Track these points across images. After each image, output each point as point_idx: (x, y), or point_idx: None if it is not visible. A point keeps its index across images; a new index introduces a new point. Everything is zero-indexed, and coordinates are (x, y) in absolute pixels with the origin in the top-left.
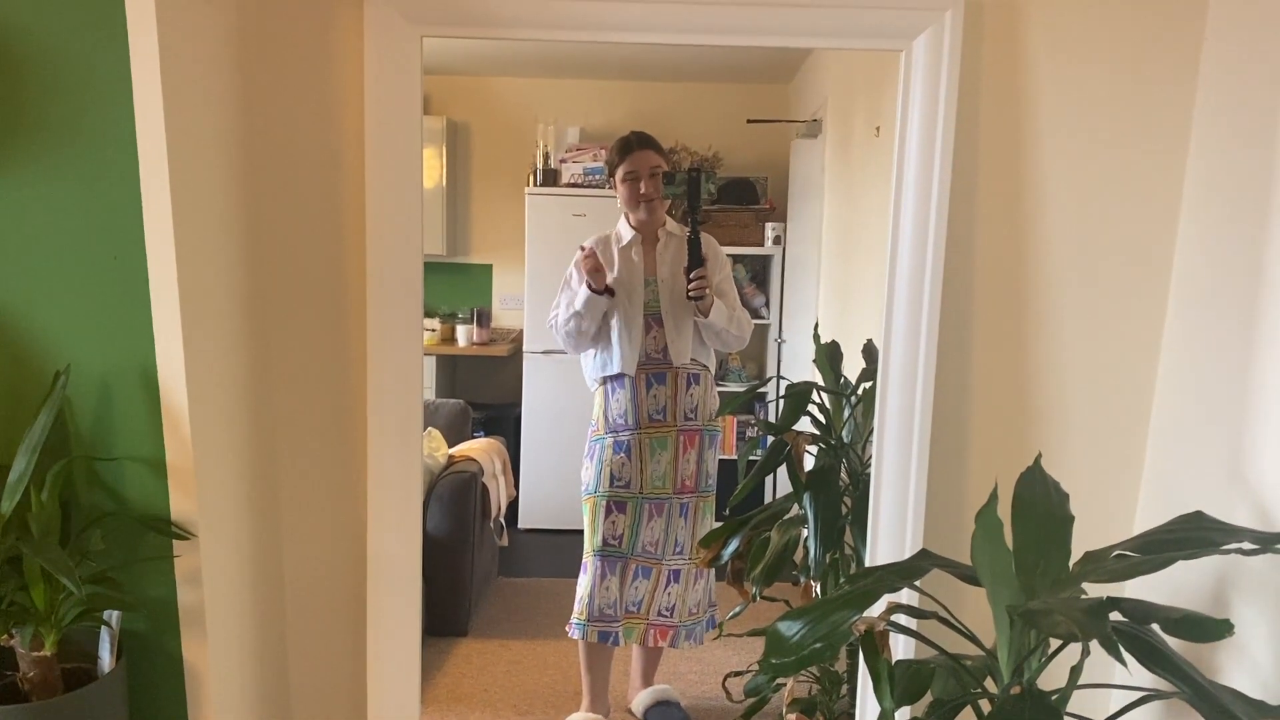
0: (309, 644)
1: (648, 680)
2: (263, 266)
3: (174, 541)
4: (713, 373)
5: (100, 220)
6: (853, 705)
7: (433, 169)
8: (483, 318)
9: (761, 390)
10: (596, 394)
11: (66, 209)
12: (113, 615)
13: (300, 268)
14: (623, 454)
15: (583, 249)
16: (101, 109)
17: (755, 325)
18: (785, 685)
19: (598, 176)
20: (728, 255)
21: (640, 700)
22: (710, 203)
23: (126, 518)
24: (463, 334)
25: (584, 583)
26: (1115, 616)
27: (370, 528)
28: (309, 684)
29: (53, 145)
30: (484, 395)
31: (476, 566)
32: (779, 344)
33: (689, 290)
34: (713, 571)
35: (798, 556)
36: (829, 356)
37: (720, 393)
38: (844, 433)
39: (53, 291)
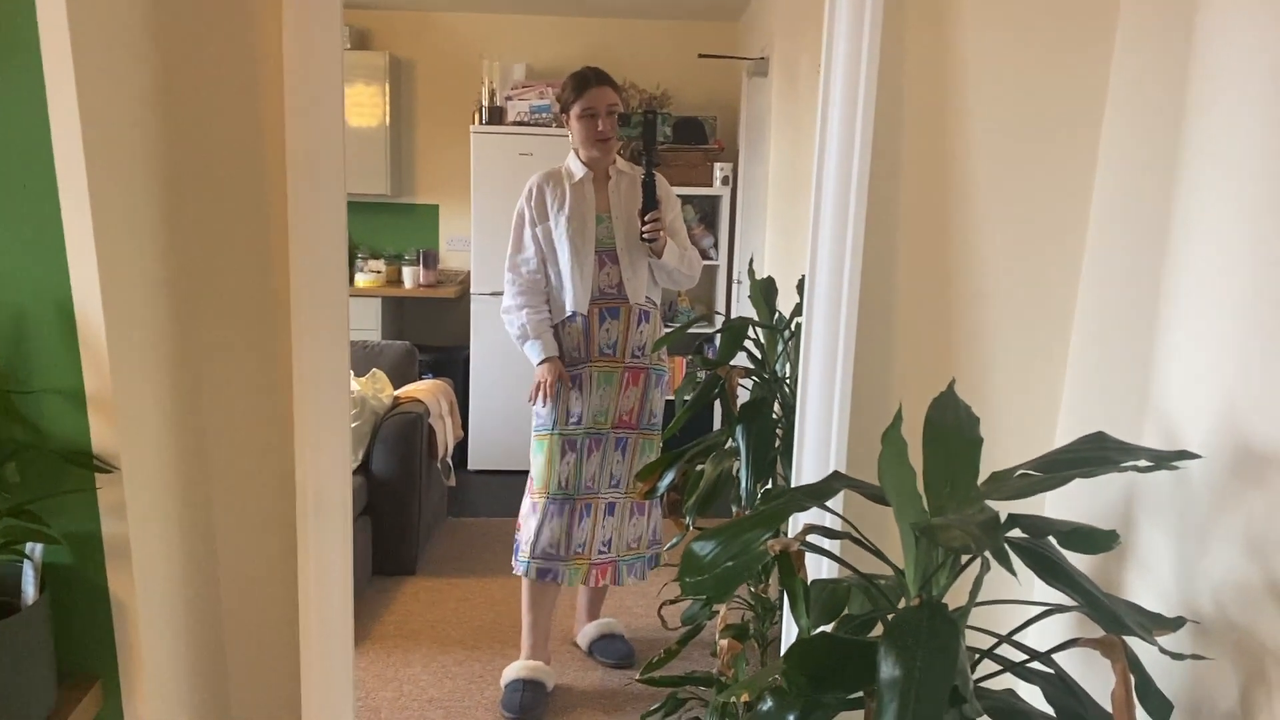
0: (240, 575)
1: (593, 614)
2: (181, 191)
3: (96, 474)
4: (659, 310)
5: (5, 147)
6: None
7: (375, 107)
8: (429, 259)
9: (706, 328)
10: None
11: None
12: (35, 548)
13: (221, 193)
14: (575, 388)
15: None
16: (1, 28)
17: (703, 266)
18: (719, 613)
19: (545, 115)
20: (677, 196)
21: (586, 633)
22: (664, 144)
23: (45, 450)
24: (409, 275)
25: (530, 523)
26: (1016, 533)
27: (298, 456)
28: (241, 615)
29: None
30: (431, 337)
31: (424, 506)
32: (737, 284)
33: (643, 232)
34: (658, 510)
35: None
36: (764, 292)
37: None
38: (778, 366)
39: None
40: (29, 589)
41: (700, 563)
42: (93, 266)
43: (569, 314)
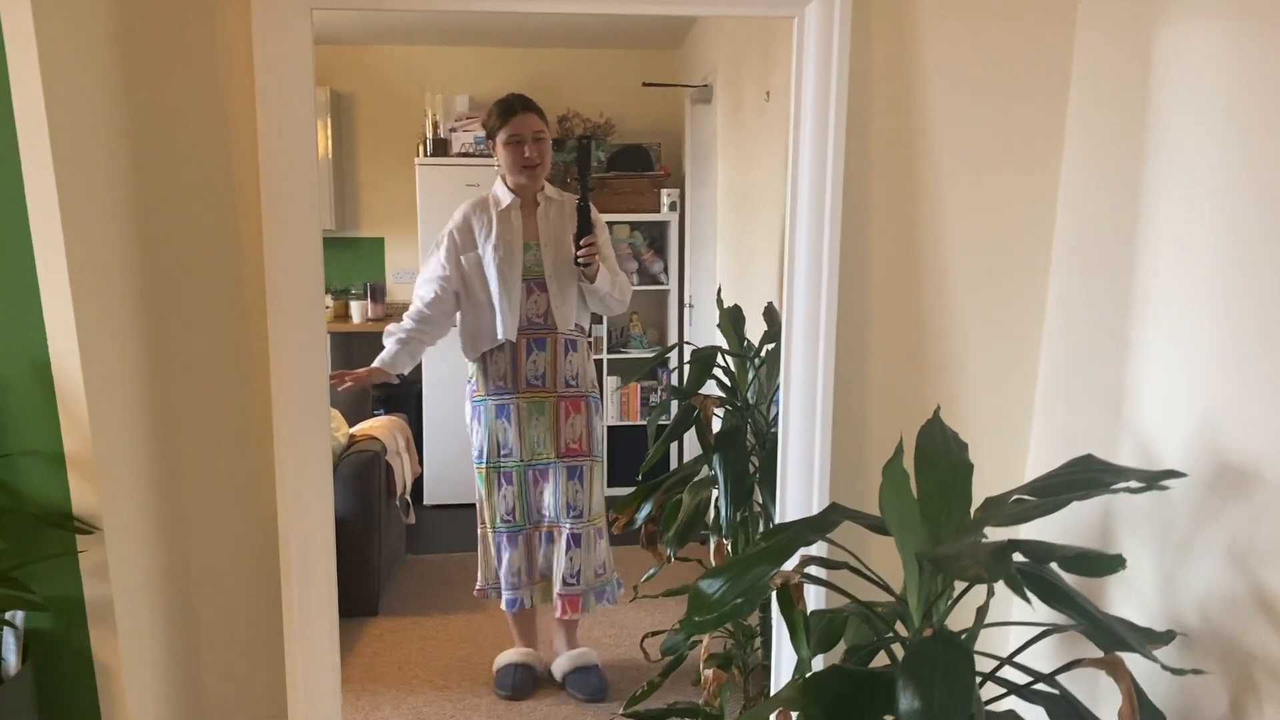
0: (222, 632)
1: (569, 644)
2: (155, 248)
3: (78, 536)
4: (589, 338)
5: None
6: (767, 658)
7: (318, 141)
8: (376, 293)
9: (667, 356)
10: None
11: None
12: (16, 615)
13: (194, 248)
14: (504, 419)
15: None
16: None
17: (654, 291)
18: (701, 642)
19: None
20: (624, 223)
21: (560, 665)
22: (599, 170)
23: (25, 514)
24: (356, 310)
25: (483, 553)
26: (1017, 558)
27: (280, 510)
28: (225, 673)
29: None
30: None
31: (384, 545)
32: (689, 308)
33: (578, 257)
34: (606, 534)
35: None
36: (732, 320)
37: (622, 360)
38: (749, 394)
39: None
40: (10, 657)
41: (709, 600)
42: (70, 325)
43: (499, 342)
